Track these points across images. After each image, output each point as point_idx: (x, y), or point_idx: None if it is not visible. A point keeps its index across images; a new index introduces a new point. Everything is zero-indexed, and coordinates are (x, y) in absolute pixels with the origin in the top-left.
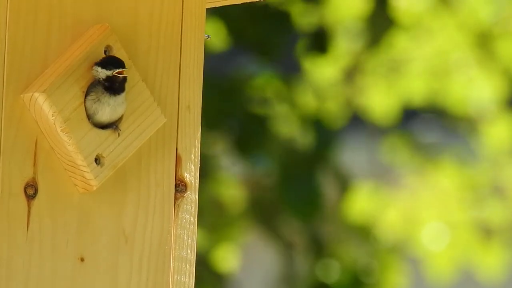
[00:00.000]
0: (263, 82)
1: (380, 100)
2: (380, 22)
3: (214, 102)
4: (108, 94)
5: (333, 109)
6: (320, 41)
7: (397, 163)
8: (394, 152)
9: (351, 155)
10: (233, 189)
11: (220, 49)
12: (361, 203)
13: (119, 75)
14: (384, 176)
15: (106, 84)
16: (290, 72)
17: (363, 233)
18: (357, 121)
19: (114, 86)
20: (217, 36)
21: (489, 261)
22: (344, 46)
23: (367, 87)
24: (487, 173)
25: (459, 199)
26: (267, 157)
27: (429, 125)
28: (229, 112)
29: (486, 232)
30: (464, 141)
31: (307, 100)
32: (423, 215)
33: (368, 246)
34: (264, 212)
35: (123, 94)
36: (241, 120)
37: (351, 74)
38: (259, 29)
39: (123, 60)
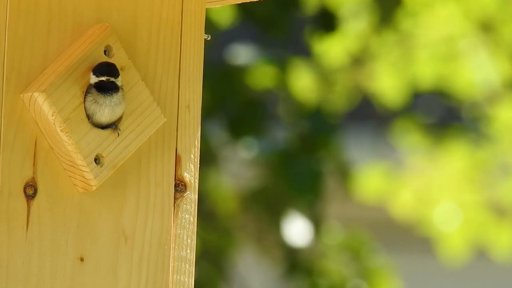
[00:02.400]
0: (264, 69)
1: (389, 84)
2: (387, 4)
3: (213, 87)
4: (102, 95)
5: (341, 93)
6: (327, 21)
7: (407, 146)
8: (404, 135)
9: (359, 140)
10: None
11: (226, 27)
12: (373, 184)
13: (103, 80)
14: (394, 159)
15: (98, 87)
16: (297, 54)
17: (353, 251)
18: (366, 105)
19: (105, 88)
20: (224, 13)
21: (502, 241)
22: (352, 27)
23: (375, 71)
24: (497, 154)
25: (470, 180)
26: (265, 142)
27: (438, 108)
28: (227, 97)
29: (498, 212)
30: (473, 123)
31: (310, 85)
32: (435, 196)
33: (358, 265)
34: (266, 202)
35: (119, 94)
36: (239, 106)
37: (359, 58)
38: (265, 8)
39: (123, 59)
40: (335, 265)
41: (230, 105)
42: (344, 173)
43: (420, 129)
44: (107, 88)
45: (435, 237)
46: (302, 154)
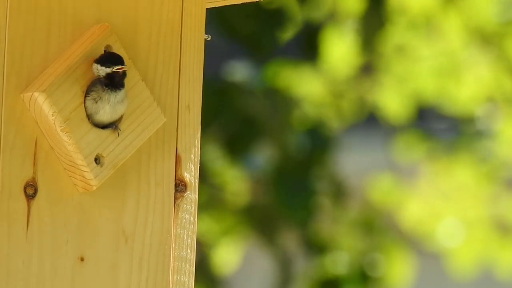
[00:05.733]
0: (259, 85)
1: (392, 98)
2: (376, 19)
3: (208, 103)
4: (108, 90)
5: (345, 106)
6: (310, 43)
7: (413, 161)
8: (409, 149)
9: (365, 154)
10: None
11: (216, 49)
12: (380, 197)
13: (118, 71)
14: (400, 174)
15: (106, 81)
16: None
17: (367, 225)
18: (371, 119)
19: (114, 82)
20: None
21: (507, 258)
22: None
23: (379, 85)
24: (502, 170)
25: (475, 195)
26: (261, 159)
27: (442, 122)
28: (222, 113)
29: (503, 229)
30: (478, 137)
31: (317, 93)
32: (439, 212)
33: (372, 239)
34: (260, 218)
35: (123, 91)
36: (234, 121)
37: (367, 66)
38: (252, 26)
39: (124, 59)
40: (349, 240)
41: (224, 122)
42: (338, 192)
43: (424, 144)
44: (118, 83)
45: (441, 253)
46: (296, 171)
